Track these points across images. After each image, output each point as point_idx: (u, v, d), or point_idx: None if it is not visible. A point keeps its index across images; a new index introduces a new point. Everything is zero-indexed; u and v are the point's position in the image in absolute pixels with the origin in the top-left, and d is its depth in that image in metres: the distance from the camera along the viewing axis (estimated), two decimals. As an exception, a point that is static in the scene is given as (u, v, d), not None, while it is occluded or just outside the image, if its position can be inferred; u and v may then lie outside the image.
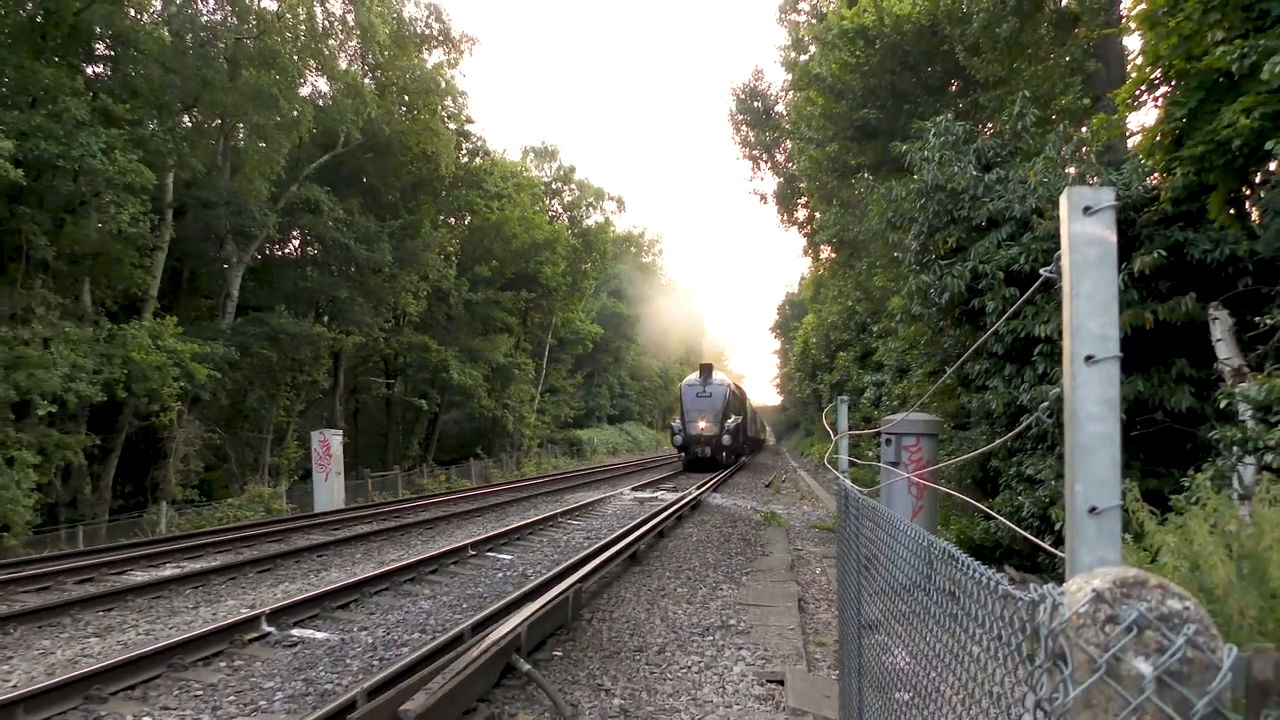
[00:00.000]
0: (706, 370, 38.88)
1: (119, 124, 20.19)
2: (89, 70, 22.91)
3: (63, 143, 18.08)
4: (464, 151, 40.13)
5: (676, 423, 38.62)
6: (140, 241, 22.29)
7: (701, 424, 36.83)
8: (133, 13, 22.85)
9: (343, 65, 30.92)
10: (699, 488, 24.35)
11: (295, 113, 26.38)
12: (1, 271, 20.09)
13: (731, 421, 37.32)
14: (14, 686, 6.85)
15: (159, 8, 24.48)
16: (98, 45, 22.94)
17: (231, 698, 6.54)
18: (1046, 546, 3.09)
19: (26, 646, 8.27)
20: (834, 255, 30.28)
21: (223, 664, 7.50)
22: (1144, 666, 1.13)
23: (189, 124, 26.52)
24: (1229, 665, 1.10)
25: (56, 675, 6.89)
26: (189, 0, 25.02)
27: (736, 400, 41.97)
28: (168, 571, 12.23)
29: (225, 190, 26.58)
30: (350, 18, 30.57)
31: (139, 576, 11.96)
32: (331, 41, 29.97)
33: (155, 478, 24.42)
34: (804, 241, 34.95)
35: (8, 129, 17.03)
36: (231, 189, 26.74)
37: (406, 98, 34.22)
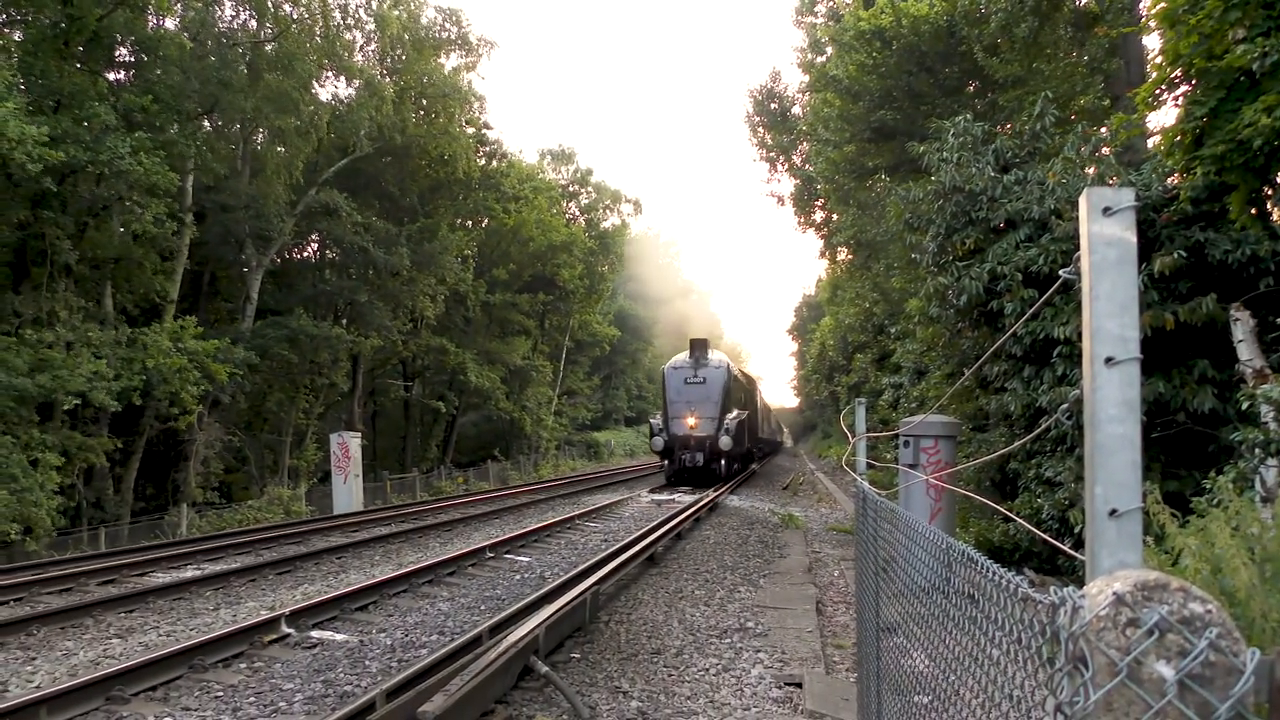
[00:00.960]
0: (700, 347, 29.37)
1: (142, 128, 20.39)
2: (111, 76, 23.15)
3: (90, 147, 18.27)
4: (481, 155, 40.24)
5: (656, 419, 28.72)
6: (162, 244, 22.51)
7: (690, 420, 27.35)
8: (153, 20, 23.08)
9: (358, 66, 31.13)
10: (716, 490, 24.31)
11: (312, 111, 26.59)
12: (25, 275, 20.31)
13: (733, 418, 27.88)
14: (37, 687, 6.91)
15: (180, 12, 24.72)
16: (120, 51, 23.18)
17: (251, 699, 6.57)
18: (1066, 549, 3.08)
19: (49, 647, 8.35)
20: (851, 257, 30.22)
21: (243, 665, 7.55)
22: (1165, 670, 1.13)
23: (209, 129, 26.75)
24: (1252, 669, 1.10)
25: (79, 676, 6.94)
26: (209, 5, 25.24)
27: (742, 389, 32.62)
28: (189, 573, 12.32)
29: (245, 194, 26.80)
30: (363, 12, 30.85)
31: (160, 578, 12.05)
32: (347, 36, 30.17)
33: (176, 480, 24.64)
34: (821, 243, 34.86)
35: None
36: (251, 193, 26.95)
37: (425, 101, 34.40)
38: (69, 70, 19.65)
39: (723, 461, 27.66)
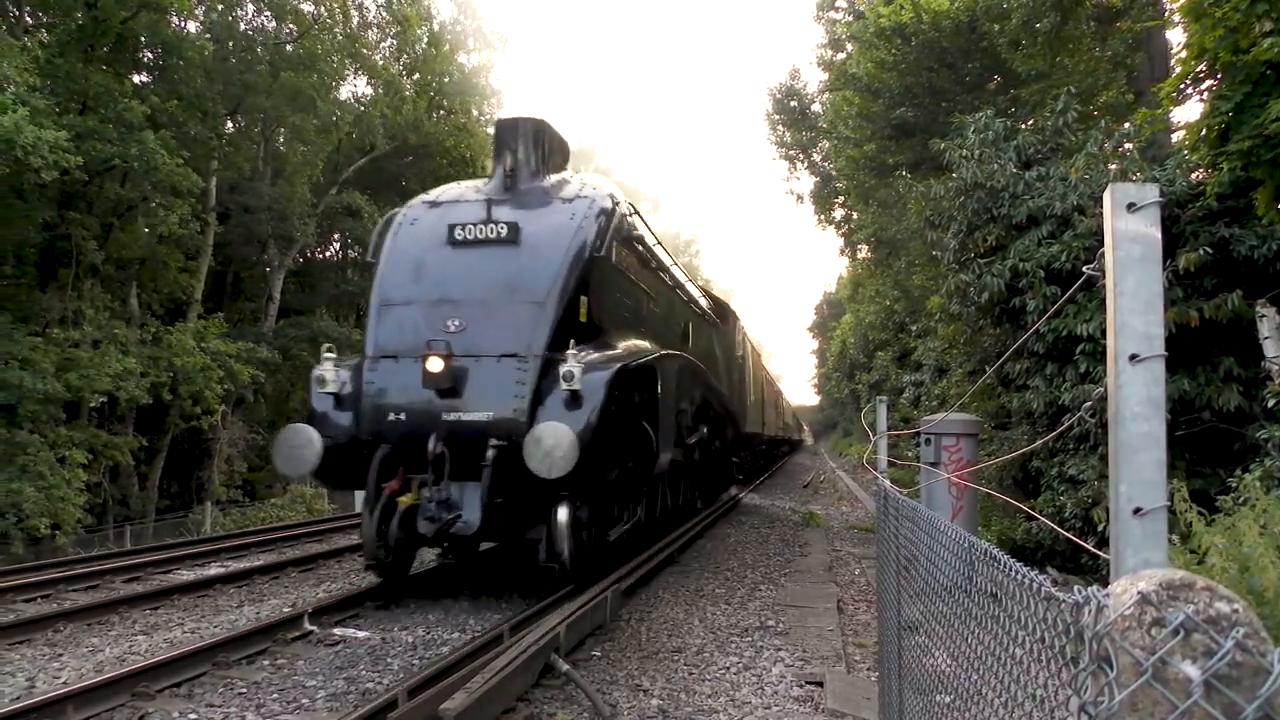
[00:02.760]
0: (511, 136, 9.46)
1: (166, 128, 20.58)
2: (135, 78, 23.35)
3: (116, 145, 18.41)
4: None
5: (325, 369, 8.55)
6: (187, 244, 22.72)
7: (434, 365, 7.77)
8: (176, 21, 23.27)
9: (379, 64, 31.27)
10: (736, 488, 24.19)
11: (335, 116, 26.74)
12: (52, 276, 20.54)
13: (611, 358, 8.53)
14: (64, 683, 6.97)
15: (201, 15, 24.91)
16: (145, 53, 23.38)
17: (275, 695, 6.61)
18: (1090, 548, 3.06)
19: (76, 644, 8.43)
20: (871, 254, 30.10)
21: (266, 662, 7.59)
22: (1191, 670, 1.12)
23: (231, 130, 26.97)
24: (1279, 669, 1.09)
25: (105, 672, 6.99)
26: (231, 6, 25.42)
27: (680, 307, 13.75)
28: (213, 571, 12.40)
29: (267, 195, 26.99)
30: (384, 11, 30.95)
31: (185, 575, 12.13)
32: (368, 35, 30.30)
33: (200, 478, 24.86)
34: (841, 241, 34.73)
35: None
36: (273, 194, 27.14)
37: (445, 102, 34.49)
38: (94, 71, 19.82)
39: (563, 511, 8.32)
